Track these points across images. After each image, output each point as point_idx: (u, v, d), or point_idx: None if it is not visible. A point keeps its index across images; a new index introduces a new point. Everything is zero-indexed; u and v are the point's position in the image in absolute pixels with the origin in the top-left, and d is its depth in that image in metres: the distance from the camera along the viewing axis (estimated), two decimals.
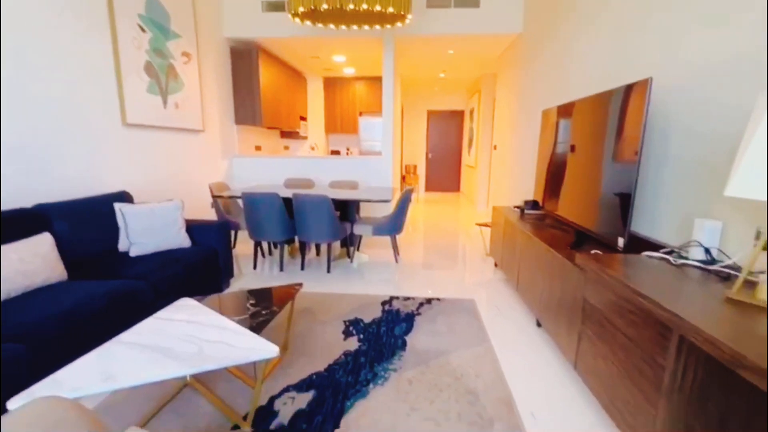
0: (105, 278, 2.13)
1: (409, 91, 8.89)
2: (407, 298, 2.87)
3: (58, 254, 2.08)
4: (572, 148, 2.41)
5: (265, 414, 1.64)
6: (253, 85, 4.87)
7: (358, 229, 3.63)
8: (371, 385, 1.83)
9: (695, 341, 1.00)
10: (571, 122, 2.46)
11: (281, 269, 3.52)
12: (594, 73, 2.62)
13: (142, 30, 3.21)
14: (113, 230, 2.56)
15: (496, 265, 3.62)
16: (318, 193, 3.24)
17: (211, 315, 1.70)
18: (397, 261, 3.82)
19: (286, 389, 1.80)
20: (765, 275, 1.18)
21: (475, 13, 4.25)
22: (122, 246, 2.56)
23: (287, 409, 1.66)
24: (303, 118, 6.68)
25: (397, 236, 3.84)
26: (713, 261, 1.48)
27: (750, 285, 1.23)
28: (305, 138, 6.96)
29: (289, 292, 2.08)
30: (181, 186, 3.80)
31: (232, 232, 3.86)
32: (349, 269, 3.60)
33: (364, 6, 2.97)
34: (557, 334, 2.04)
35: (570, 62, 3.02)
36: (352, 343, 2.22)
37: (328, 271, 3.48)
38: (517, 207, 3.33)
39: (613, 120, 1.93)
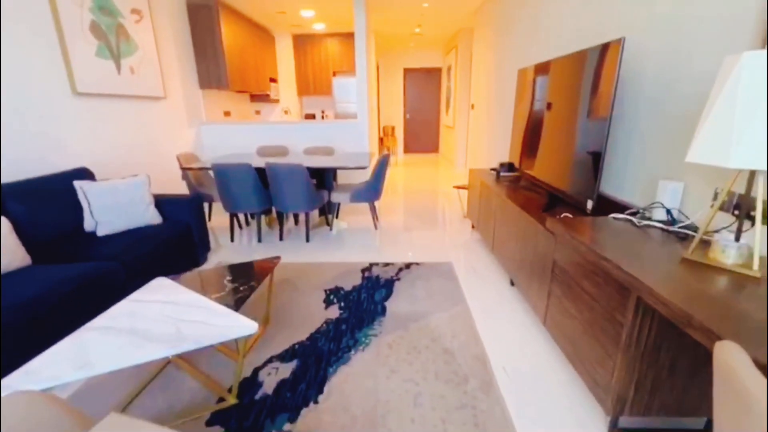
0: (72, 261, 2.06)
1: (384, 49, 8.51)
2: (387, 264, 2.92)
3: (17, 238, 1.98)
4: (548, 107, 2.40)
5: (249, 385, 1.68)
6: (216, 45, 4.54)
7: (335, 197, 3.60)
8: (352, 351, 1.90)
9: (650, 303, 1.07)
10: (547, 82, 2.43)
11: (259, 240, 3.49)
12: (569, 30, 2.55)
13: None
14: (77, 209, 2.44)
15: (473, 227, 3.70)
16: (292, 162, 3.15)
17: (187, 294, 1.69)
18: (376, 227, 3.84)
19: (270, 360, 1.84)
20: (719, 235, 1.25)
21: None
22: (88, 226, 2.46)
23: (271, 379, 1.72)
24: (273, 80, 6.34)
25: (376, 202, 3.83)
26: (674, 221, 1.55)
27: (706, 245, 1.30)
28: (277, 101, 6.65)
29: (268, 266, 2.07)
30: (147, 158, 3.61)
31: (207, 205, 3.76)
32: (329, 237, 3.60)
33: None
34: (529, 293, 2.14)
35: (546, 17, 2.93)
36: (334, 312, 2.27)
37: (307, 240, 3.47)
38: (493, 169, 3.35)
39: (587, 80, 1.91)
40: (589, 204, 1.84)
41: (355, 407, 1.55)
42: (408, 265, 2.90)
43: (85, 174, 2.60)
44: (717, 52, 1.42)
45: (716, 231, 1.35)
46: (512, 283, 2.56)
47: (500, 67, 4.21)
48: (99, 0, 3.02)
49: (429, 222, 4.07)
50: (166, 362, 1.80)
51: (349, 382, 1.70)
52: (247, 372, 1.76)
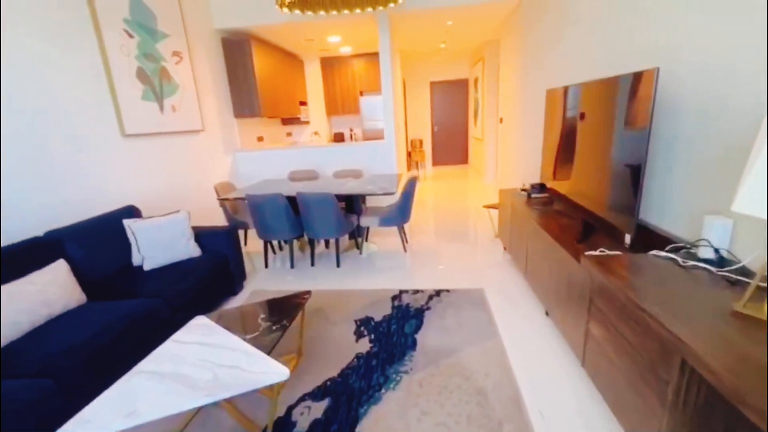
0: (122, 297, 2.21)
1: (409, 64, 8.57)
2: (416, 291, 2.91)
3: (75, 279, 2.16)
4: (581, 123, 2.31)
5: (284, 424, 1.73)
6: (248, 76, 4.76)
7: (364, 221, 3.64)
8: (383, 390, 1.90)
9: (696, 368, 1.00)
10: (578, 103, 2.34)
11: (292, 266, 3.59)
12: (599, 50, 2.46)
13: (129, 35, 3.13)
14: (125, 245, 2.62)
15: (505, 248, 3.61)
16: (322, 192, 3.23)
17: (224, 336, 1.77)
18: (405, 249, 3.84)
19: (303, 398, 1.88)
20: None
21: None
22: (135, 260, 2.63)
23: (304, 419, 1.75)
24: (303, 103, 6.55)
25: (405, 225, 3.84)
26: (722, 262, 1.43)
27: (762, 292, 1.20)
28: (307, 123, 6.86)
29: (299, 302, 2.13)
30: (186, 190, 3.83)
31: (242, 231, 3.92)
32: (359, 260, 3.64)
33: None
34: (565, 328, 2.05)
35: (573, 34, 2.84)
36: (364, 345, 2.28)
37: (338, 265, 3.53)
38: (524, 190, 3.26)
39: (621, 104, 1.82)
40: (628, 239, 1.75)
41: None
42: (438, 293, 2.87)
43: (132, 212, 2.80)
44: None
45: None
46: (547, 314, 2.47)
47: (527, 84, 4.12)
48: (144, 48, 3.27)
49: (459, 242, 4.02)
50: None
51: (380, 423, 1.69)
52: (281, 410, 1.80)
